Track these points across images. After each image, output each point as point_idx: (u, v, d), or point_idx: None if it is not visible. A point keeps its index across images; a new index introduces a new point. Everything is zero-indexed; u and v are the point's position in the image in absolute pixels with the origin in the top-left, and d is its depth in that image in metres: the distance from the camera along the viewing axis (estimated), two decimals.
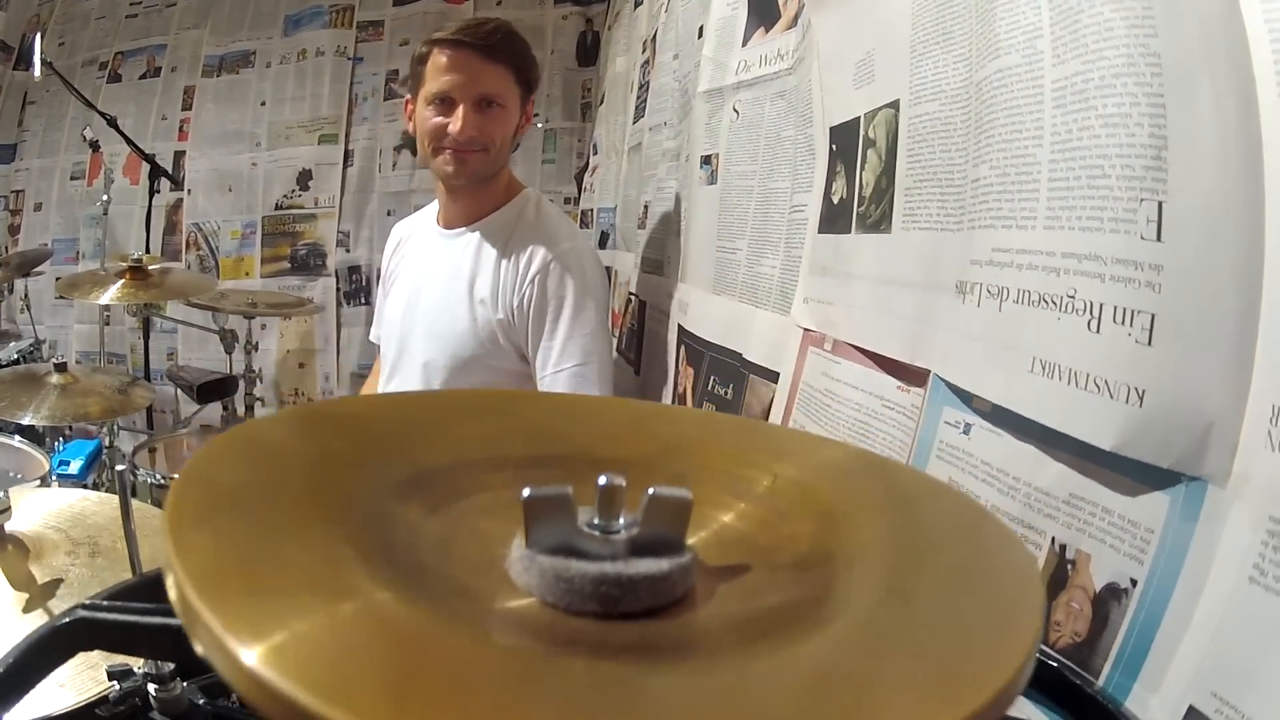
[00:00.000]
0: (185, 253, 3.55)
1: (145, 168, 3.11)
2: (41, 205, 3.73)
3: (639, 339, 2.07)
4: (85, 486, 1.94)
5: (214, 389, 2.65)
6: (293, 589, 0.29)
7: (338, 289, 3.52)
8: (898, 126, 0.92)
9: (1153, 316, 0.54)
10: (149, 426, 3.02)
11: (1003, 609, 0.31)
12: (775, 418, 1.30)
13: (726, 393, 1.51)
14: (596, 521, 0.39)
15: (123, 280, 1.99)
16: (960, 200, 0.79)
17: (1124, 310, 0.56)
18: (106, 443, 1.89)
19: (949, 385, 0.80)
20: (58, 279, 2.92)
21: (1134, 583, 0.56)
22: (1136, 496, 0.56)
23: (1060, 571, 0.62)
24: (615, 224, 2.49)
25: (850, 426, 1.04)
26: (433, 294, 1.65)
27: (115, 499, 0.95)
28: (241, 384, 2.82)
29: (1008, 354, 0.67)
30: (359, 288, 3.55)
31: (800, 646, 0.30)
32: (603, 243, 2.60)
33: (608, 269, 2.33)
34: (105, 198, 2.83)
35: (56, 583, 0.79)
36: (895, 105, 0.93)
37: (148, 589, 0.50)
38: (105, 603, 0.44)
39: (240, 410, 2.83)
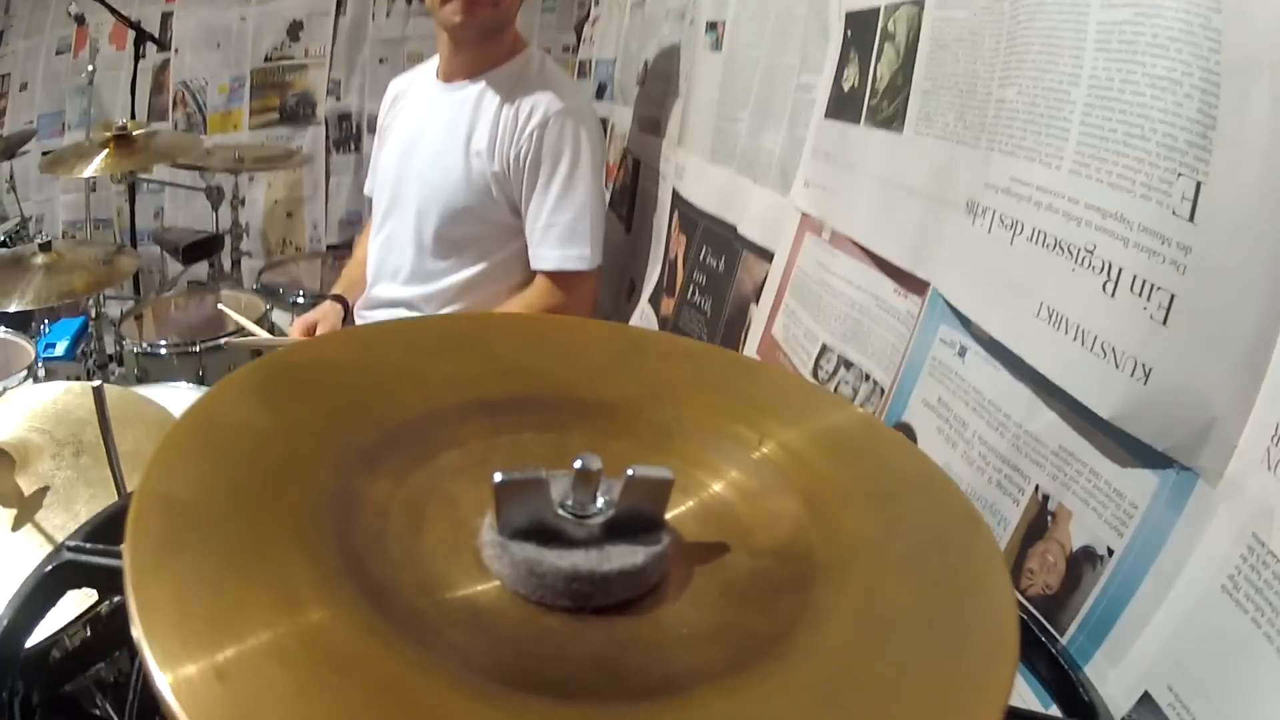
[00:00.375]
0: (172, 111, 3.46)
1: (131, 34, 2.96)
2: (27, 85, 3.58)
3: (631, 196, 2.01)
4: (75, 360, 1.93)
5: (199, 249, 2.62)
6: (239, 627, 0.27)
7: (327, 137, 3.46)
8: (920, 25, 0.84)
9: (1172, 296, 0.51)
10: (135, 291, 3.00)
11: (977, 663, 0.30)
12: (767, 298, 1.28)
13: (719, 265, 1.48)
14: (570, 503, 0.38)
15: (107, 150, 1.93)
16: (981, 117, 0.73)
17: (1144, 282, 0.53)
18: (92, 314, 1.87)
19: (948, 304, 0.77)
20: (44, 154, 2.83)
21: (1110, 552, 0.55)
22: (1126, 468, 0.55)
23: (1040, 520, 0.62)
24: (614, 76, 2.36)
25: (843, 322, 1.02)
26: (428, 145, 1.60)
27: (105, 386, 0.93)
28: (228, 240, 2.78)
29: (1014, 292, 0.64)
30: (349, 135, 3.48)
31: (765, 691, 0.29)
32: (600, 94, 2.48)
33: (603, 120, 2.23)
34: (90, 68, 2.70)
35: (43, 491, 0.78)
36: (919, 3, 0.85)
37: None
38: (88, 545, 0.44)
39: (227, 265, 2.80)
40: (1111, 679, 0.53)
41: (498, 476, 0.36)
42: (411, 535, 0.37)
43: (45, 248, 1.58)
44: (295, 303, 2.21)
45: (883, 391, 0.91)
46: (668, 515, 0.40)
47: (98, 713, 0.70)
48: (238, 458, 0.35)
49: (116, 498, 0.73)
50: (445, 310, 1.58)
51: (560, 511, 0.37)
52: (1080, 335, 0.57)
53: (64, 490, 0.79)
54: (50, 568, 0.43)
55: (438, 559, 0.37)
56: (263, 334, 1.78)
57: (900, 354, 0.88)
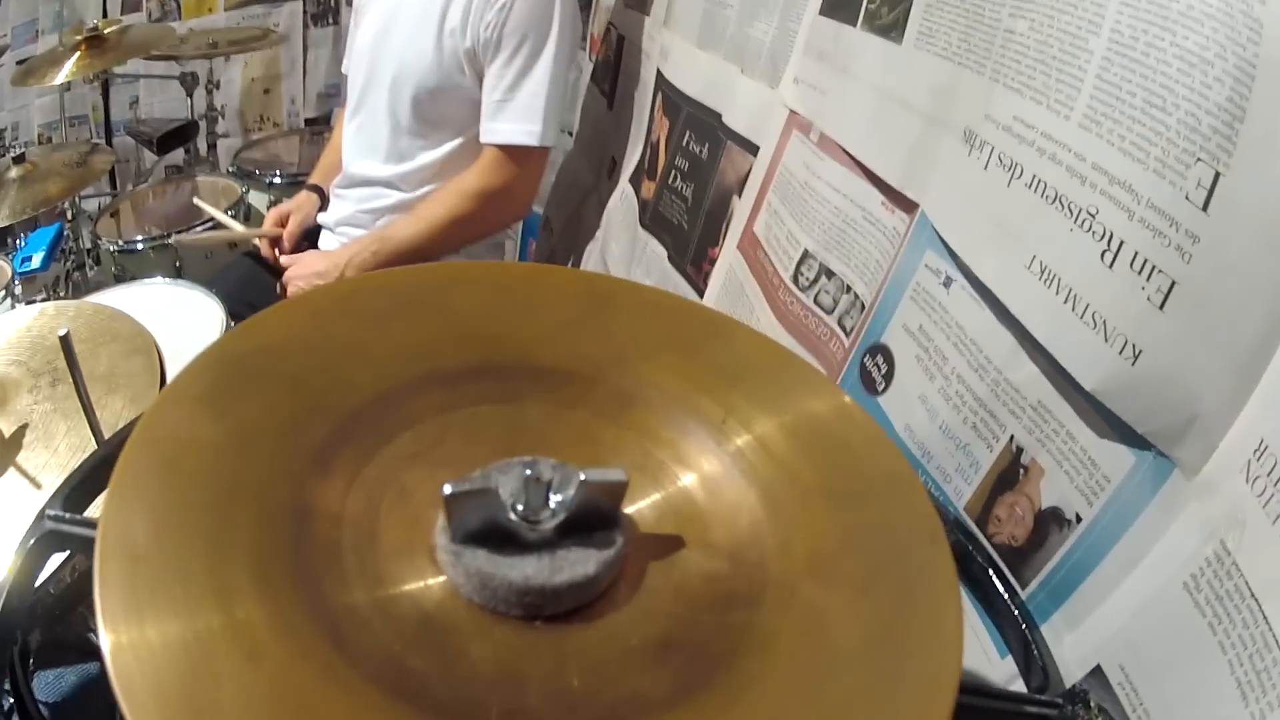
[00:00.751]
0: (146, 1, 3.24)
1: None
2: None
3: (615, 72, 1.92)
4: (55, 260, 1.88)
5: (174, 137, 2.54)
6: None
7: (305, 12, 3.27)
8: None
9: (1173, 282, 0.48)
10: (112, 186, 2.91)
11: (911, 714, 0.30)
12: (750, 193, 1.24)
13: (702, 152, 1.43)
14: (522, 508, 0.37)
15: (78, 54, 1.87)
16: (989, 44, 0.68)
17: (1145, 261, 0.50)
18: (68, 216, 1.83)
19: (936, 232, 0.74)
20: (18, 63, 2.69)
21: (1079, 519, 0.55)
22: (1104, 439, 0.54)
23: (1012, 471, 0.62)
24: None
25: (826, 230, 0.99)
26: (404, 23, 1.54)
27: (72, 306, 0.91)
28: (203, 124, 2.70)
29: (1007, 238, 0.62)
30: (327, 9, 3.31)
31: None
32: None
33: None
34: None
35: (23, 430, 0.77)
36: None
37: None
38: (67, 515, 0.45)
39: (203, 150, 2.72)
40: (1067, 643, 0.54)
41: (447, 489, 0.36)
42: (366, 544, 0.37)
43: (19, 160, 1.54)
44: (271, 183, 2.15)
45: (863, 307, 0.89)
46: (624, 498, 0.40)
47: (93, 636, 0.72)
48: (188, 482, 0.34)
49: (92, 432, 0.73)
50: (423, 190, 1.56)
51: (512, 516, 0.37)
52: (1072, 299, 0.55)
53: (43, 426, 0.78)
54: (34, 541, 0.44)
55: (392, 565, 0.37)
56: (237, 227, 1.75)
57: (884, 271, 0.86)
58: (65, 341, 0.63)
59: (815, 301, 1.01)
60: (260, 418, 0.38)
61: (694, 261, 1.40)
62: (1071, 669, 0.52)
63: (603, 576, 0.37)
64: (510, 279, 0.57)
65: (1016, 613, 0.49)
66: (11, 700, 0.46)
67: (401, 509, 0.39)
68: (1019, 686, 0.47)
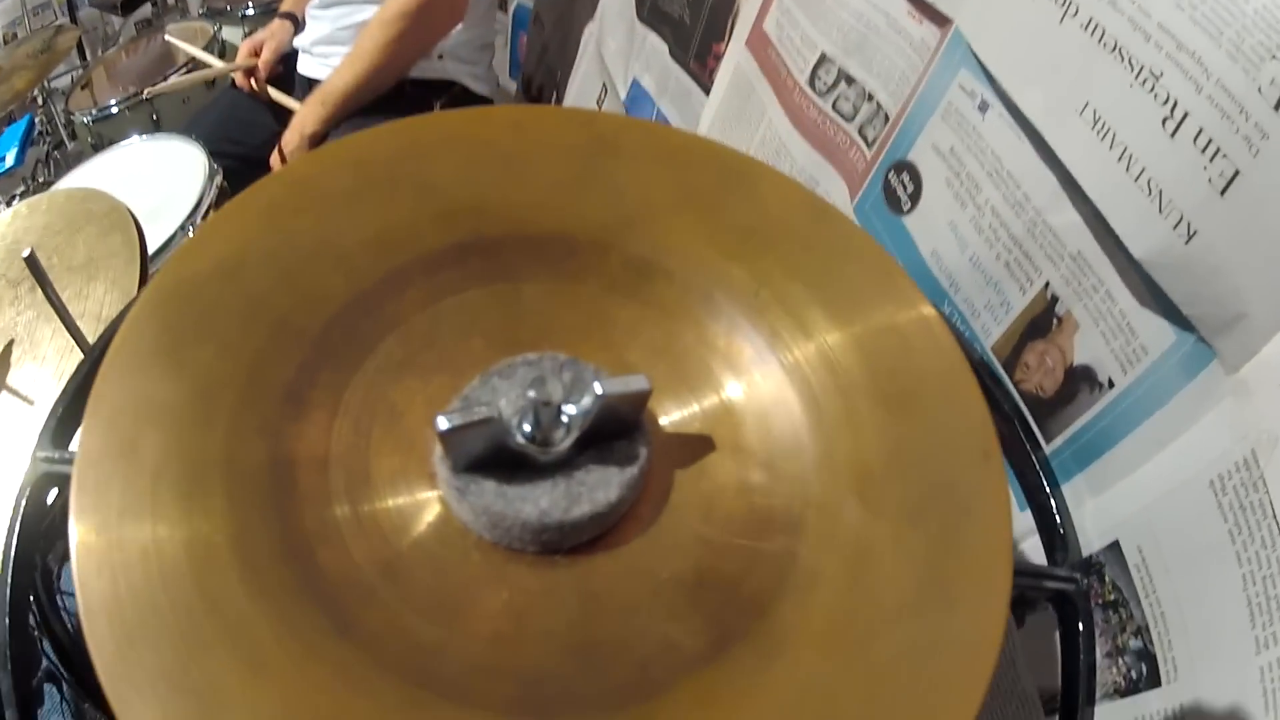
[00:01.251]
0: None
1: None
2: None
3: None
4: (32, 145, 1.78)
5: None
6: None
7: None
8: None
9: (1237, 171, 0.42)
10: (81, 58, 2.68)
11: (952, 683, 0.26)
12: None
13: None
14: (530, 430, 0.32)
15: None
16: None
17: (1210, 141, 0.44)
18: (39, 102, 1.69)
19: (974, 53, 0.64)
20: None
21: (1111, 384, 0.51)
22: (1145, 309, 0.49)
23: (1045, 319, 0.57)
24: None
25: (846, 34, 0.88)
26: None
27: (44, 201, 0.85)
28: None
29: (1057, 76, 0.53)
30: None
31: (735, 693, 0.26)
32: None
33: None
34: None
35: (9, 347, 0.73)
36: None
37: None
38: (57, 455, 0.41)
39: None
40: (1089, 510, 0.51)
41: (441, 423, 0.31)
42: (359, 486, 0.33)
43: None
44: (245, 15, 2.01)
45: (887, 118, 0.80)
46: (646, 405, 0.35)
47: None
48: (150, 464, 0.30)
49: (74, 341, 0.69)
50: None
51: (520, 440, 0.32)
52: (1128, 160, 0.48)
53: (28, 337, 0.75)
54: (30, 487, 0.41)
55: (391, 509, 0.33)
56: (214, 61, 1.63)
57: (911, 85, 0.77)
58: (32, 263, 0.58)
59: (834, 108, 0.92)
60: (221, 362, 0.33)
61: (697, 57, 1.28)
62: (1090, 538, 0.50)
63: (626, 499, 0.32)
64: (493, 131, 0.49)
65: (1040, 470, 0.46)
66: (38, 621, 0.45)
67: (394, 434, 0.35)
68: (1033, 543, 0.44)
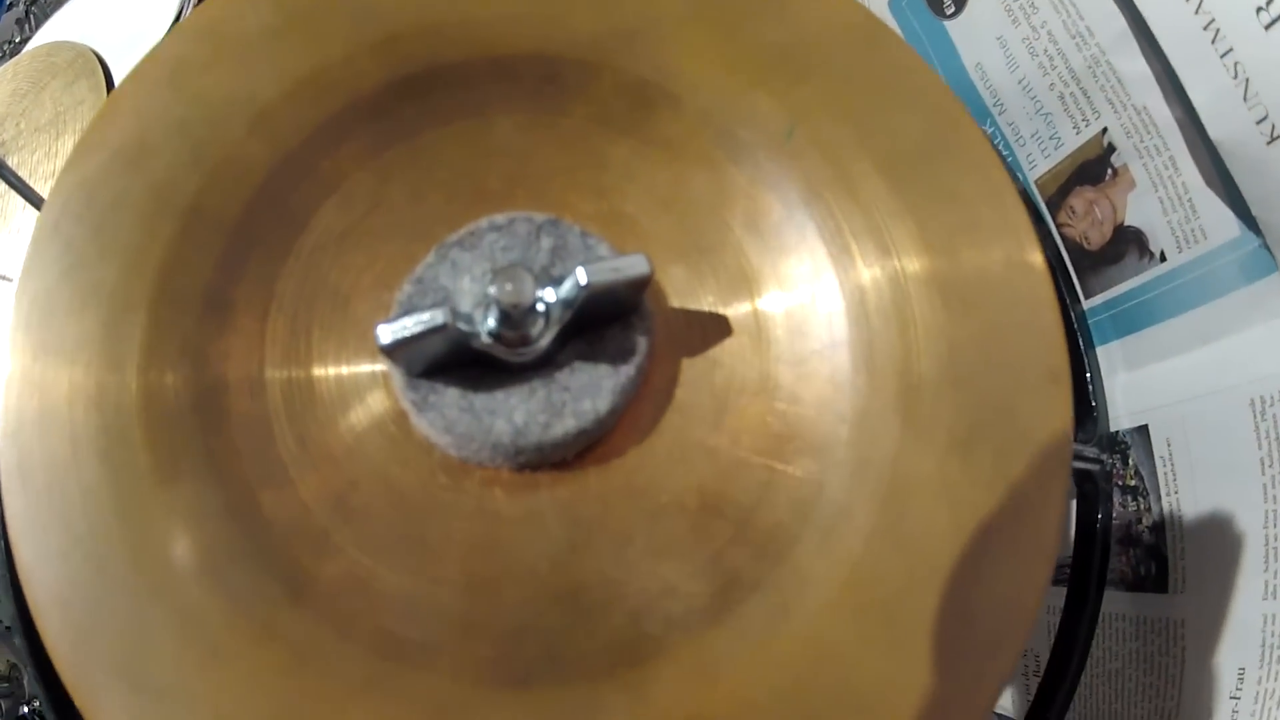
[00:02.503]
0: None
1: None
2: None
3: None
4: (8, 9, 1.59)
5: None
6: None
7: None
8: None
9: None
10: None
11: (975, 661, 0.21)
12: None
13: None
14: (497, 328, 0.27)
15: None
16: None
17: None
18: None
19: None
20: None
21: (1164, 257, 0.43)
22: (1211, 191, 0.41)
23: (1098, 166, 0.48)
24: None
25: None
26: None
27: (9, 70, 0.77)
28: None
29: None
30: None
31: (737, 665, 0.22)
32: None
33: None
34: None
35: None
36: None
37: None
38: None
39: None
40: (1121, 383, 0.45)
41: (381, 336, 0.25)
42: (301, 399, 0.27)
43: None
44: None
45: None
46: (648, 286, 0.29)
47: None
48: (68, 447, 0.25)
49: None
50: None
51: (488, 341, 0.27)
52: (1214, 31, 0.37)
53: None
54: None
55: (343, 431, 0.27)
56: None
57: None
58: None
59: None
60: (126, 279, 0.27)
61: None
62: (1119, 415, 0.45)
63: (619, 408, 0.27)
64: None
65: (1076, 322, 0.41)
66: None
67: (340, 329, 0.29)
68: None
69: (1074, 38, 0.51)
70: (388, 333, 0.25)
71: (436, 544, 0.26)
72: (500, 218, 0.30)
